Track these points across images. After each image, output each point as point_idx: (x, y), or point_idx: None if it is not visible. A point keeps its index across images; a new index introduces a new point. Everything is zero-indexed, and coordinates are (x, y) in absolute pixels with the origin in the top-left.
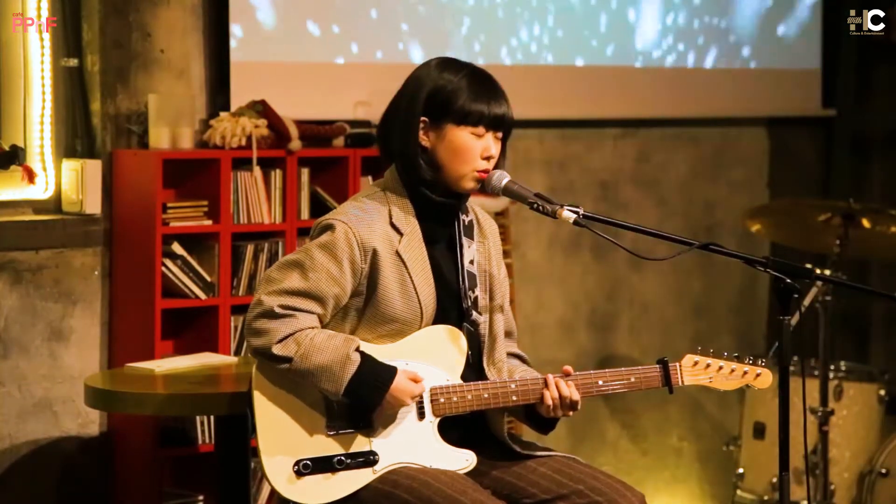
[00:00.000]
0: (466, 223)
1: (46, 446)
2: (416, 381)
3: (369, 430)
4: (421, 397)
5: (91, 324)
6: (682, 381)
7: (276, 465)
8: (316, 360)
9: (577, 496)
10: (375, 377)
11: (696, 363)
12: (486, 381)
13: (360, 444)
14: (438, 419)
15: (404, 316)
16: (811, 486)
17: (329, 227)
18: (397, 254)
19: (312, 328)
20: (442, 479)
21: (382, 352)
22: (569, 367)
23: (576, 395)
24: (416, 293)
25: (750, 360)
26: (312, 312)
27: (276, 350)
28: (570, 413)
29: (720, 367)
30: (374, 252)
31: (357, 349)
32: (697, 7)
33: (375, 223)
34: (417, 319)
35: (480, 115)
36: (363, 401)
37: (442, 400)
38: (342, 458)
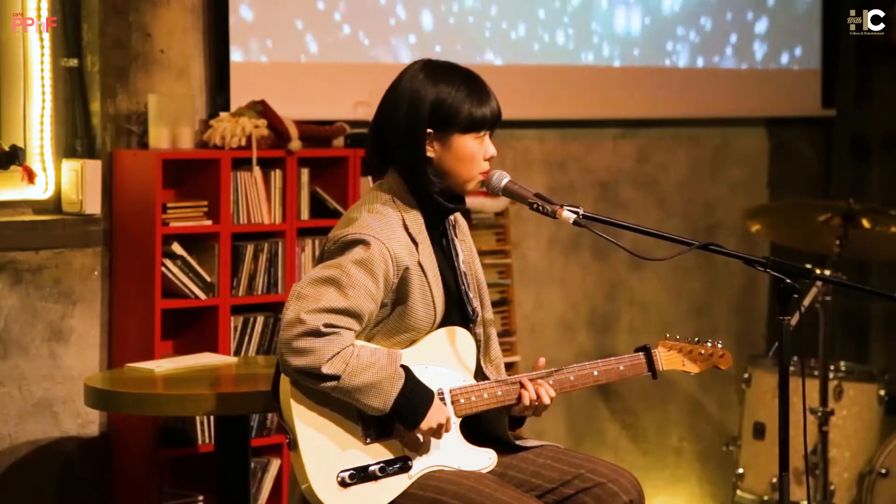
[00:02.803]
0: (452, 223)
1: (46, 446)
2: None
3: (401, 436)
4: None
5: (91, 324)
6: (662, 367)
7: (321, 478)
8: (364, 377)
9: (579, 480)
10: (418, 394)
11: (669, 348)
12: (497, 380)
13: (395, 450)
14: (460, 419)
15: (422, 324)
16: (811, 486)
17: (362, 243)
18: (419, 264)
19: (353, 345)
20: (487, 483)
21: (403, 357)
22: (542, 360)
23: (552, 393)
24: (433, 300)
25: (709, 342)
26: (352, 330)
27: (326, 369)
28: (540, 413)
29: (690, 351)
30: (406, 267)
31: (400, 364)
32: (697, 7)
33: (399, 236)
34: (431, 325)
35: (484, 120)
36: (406, 417)
37: (462, 401)
38: (383, 465)
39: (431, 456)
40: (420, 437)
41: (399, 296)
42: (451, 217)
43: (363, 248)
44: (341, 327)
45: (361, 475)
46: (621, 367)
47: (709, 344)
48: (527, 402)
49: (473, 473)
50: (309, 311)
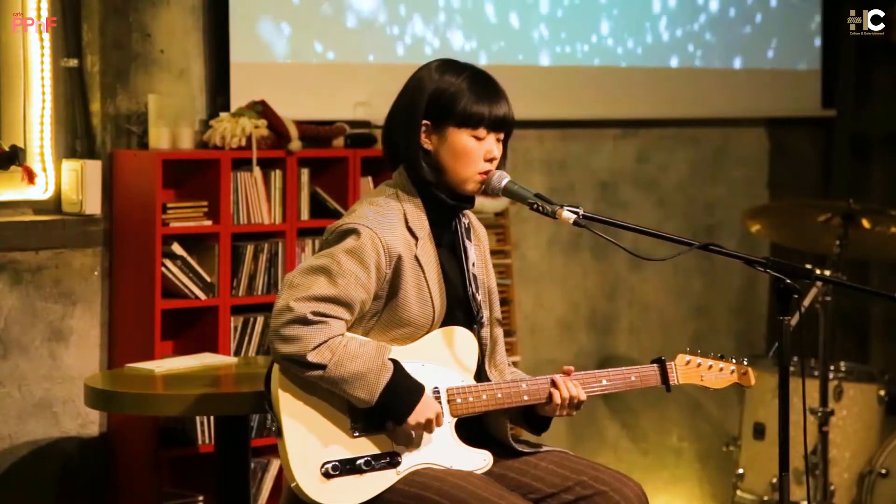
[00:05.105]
0: (466, 226)
1: (46, 446)
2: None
3: (392, 431)
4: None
5: (91, 324)
6: (679, 380)
7: (304, 468)
8: (350, 367)
9: (581, 487)
10: (407, 388)
11: (688, 362)
12: (498, 382)
13: (384, 445)
14: (456, 419)
15: (419, 320)
16: (811, 486)
17: (354, 232)
18: (416, 258)
19: (342, 335)
20: (472, 481)
21: (399, 353)
22: (570, 367)
23: (583, 395)
24: (431, 297)
25: (734, 359)
26: (342, 319)
27: (311, 357)
28: (574, 413)
29: (710, 366)
30: (399, 258)
31: (389, 357)
32: (697, 7)
33: (396, 227)
34: (429, 323)
35: (481, 117)
36: (393, 410)
37: (459, 400)
38: (369, 459)
39: (422, 453)
40: (410, 432)
41: (392, 287)
42: (466, 220)
43: (354, 238)
44: (330, 316)
45: (346, 467)
46: (633, 378)
47: (733, 360)
48: (558, 400)
49: (461, 472)
50: (297, 299)
